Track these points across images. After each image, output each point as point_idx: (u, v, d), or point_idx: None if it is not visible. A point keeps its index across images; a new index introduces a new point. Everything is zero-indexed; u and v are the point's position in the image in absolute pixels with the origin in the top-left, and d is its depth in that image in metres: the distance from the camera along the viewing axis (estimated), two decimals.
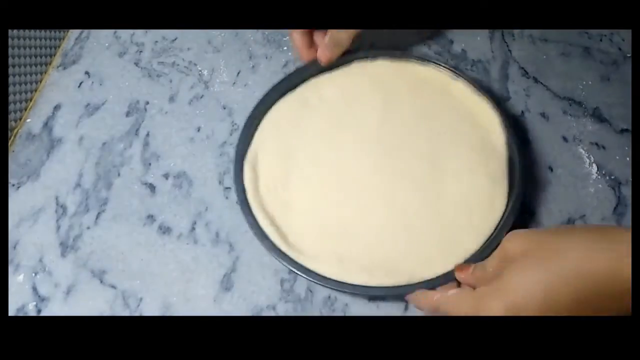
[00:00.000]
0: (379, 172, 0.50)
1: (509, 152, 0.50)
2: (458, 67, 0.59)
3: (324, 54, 0.54)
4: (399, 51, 0.56)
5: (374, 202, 0.48)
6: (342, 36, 0.53)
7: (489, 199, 0.48)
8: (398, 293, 0.44)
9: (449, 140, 0.51)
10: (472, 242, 0.45)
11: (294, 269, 0.45)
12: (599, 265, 0.34)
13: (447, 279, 0.44)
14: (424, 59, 0.55)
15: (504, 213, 0.47)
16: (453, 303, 0.40)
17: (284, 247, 0.46)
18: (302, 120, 0.53)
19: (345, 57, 0.56)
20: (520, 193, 0.47)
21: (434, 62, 0.54)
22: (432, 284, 0.44)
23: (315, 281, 0.45)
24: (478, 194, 0.48)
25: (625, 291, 0.33)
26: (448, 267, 0.44)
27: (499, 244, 0.40)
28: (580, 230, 0.38)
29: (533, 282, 0.36)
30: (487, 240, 0.45)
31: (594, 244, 0.35)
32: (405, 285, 0.44)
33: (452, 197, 0.48)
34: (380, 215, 0.48)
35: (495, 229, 0.46)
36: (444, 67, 0.54)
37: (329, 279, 0.45)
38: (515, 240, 0.38)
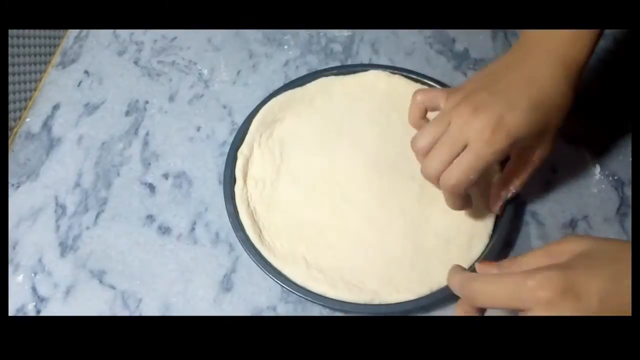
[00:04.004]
0: (367, 187, 0.49)
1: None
2: (460, 66, 0.59)
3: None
4: (418, 73, 0.55)
5: (355, 215, 0.48)
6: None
7: (470, 237, 0.47)
8: (356, 310, 0.44)
9: None
10: (443, 276, 0.42)
11: (259, 266, 0.45)
12: None
13: (408, 307, 0.44)
14: (444, 84, 0.54)
15: (482, 253, 0.46)
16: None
17: (257, 242, 0.46)
18: (303, 118, 0.53)
19: (364, 65, 0.56)
20: (502, 234, 0.47)
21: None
22: (391, 309, 0.43)
23: (279, 282, 0.45)
24: (460, 229, 0.47)
25: None
26: (411, 296, 0.44)
27: None
28: None
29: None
30: None
31: None
32: (363, 304, 0.44)
33: (434, 227, 0.47)
34: (358, 230, 0.48)
35: (468, 268, 0.44)
36: None
37: (292, 281, 0.45)
38: (574, 241, 0.35)
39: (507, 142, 0.40)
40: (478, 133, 0.40)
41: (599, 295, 0.31)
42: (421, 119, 0.47)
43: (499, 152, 0.40)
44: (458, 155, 0.41)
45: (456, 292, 0.38)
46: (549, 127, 0.42)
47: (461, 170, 0.41)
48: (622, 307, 0.31)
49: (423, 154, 0.43)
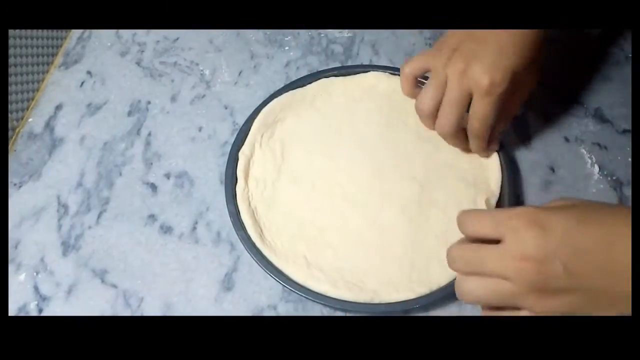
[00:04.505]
0: (367, 187, 0.50)
1: (501, 191, 0.49)
2: None
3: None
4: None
5: (355, 215, 0.48)
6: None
7: None
8: (356, 309, 0.44)
9: (444, 170, 0.50)
10: (442, 277, 0.45)
11: (260, 265, 0.45)
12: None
13: (408, 306, 0.44)
14: None
15: None
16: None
17: (258, 242, 0.46)
18: (304, 118, 0.54)
19: (364, 66, 0.56)
20: None
21: None
22: (391, 308, 0.44)
23: (280, 281, 0.45)
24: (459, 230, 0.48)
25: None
26: (411, 295, 0.44)
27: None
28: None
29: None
30: (456, 278, 0.45)
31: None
32: (363, 304, 0.44)
33: (434, 228, 0.48)
34: (359, 230, 0.48)
35: None
36: None
37: (293, 281, 0.45)
38: (563, 199, 0.37)
39: (507, 83, 0.43)
40: (477, 81, 0.43)
41: (563, 230, 0.33)
42: (415, 87, 0.49)
43: (503, 94, 0.43)
44: (466, 103, 0.44)
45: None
46: (535, 60, 0.45)
47: (479, 119, 0.45)
48: (584, 247, 0.33)
49: (429, 115, 0.47)
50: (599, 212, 0.35)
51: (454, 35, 0.46)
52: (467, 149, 0.50)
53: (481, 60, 0.43)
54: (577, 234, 0.33)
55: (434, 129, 0.48)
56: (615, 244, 0.33)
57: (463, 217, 0.38)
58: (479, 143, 0.48)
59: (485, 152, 0.50)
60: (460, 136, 0.48)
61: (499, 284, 0.34)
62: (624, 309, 0.33)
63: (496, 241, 0.35)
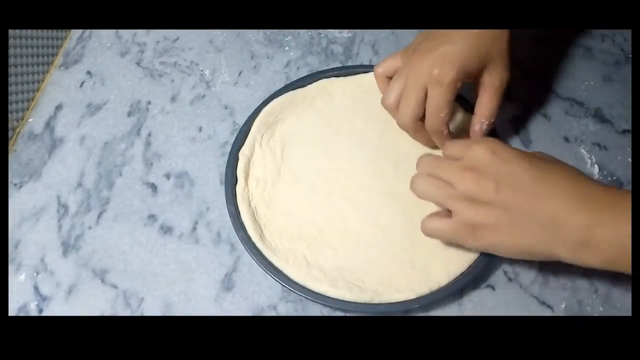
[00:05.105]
0: (367, 187, 0.50)
1: None
2: None
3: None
4: None
5: (355, 215, 0.48)
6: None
7: None
8: (356, 309, 0.44)
9: None
10: (443, 277, 0.45)
11: (261, 265, 0.45)
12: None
13: (408, 306, 0.44)
14: None
15: (479, 256, 0.46)
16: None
17: (258, 242, 0.46)
18: (304, 119, 0.54)
19: (364, 66, 0.57)
20: None
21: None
22: (391, 308, 0.44)
23: (280, 281, 0.45)
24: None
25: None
26: (411, 295, 0.44)
27: (467, 281, 0.45)
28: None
29: None
30: (456, 278, 0.45)
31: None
32: (363, 304, 0.44)
33: None
34: (359, 230, 0.48)
35: (467, 268, 0.45)
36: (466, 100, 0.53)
37: (293, 281, 0.45)
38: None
39: (455, 71, 0.45)
40: (428, 73, 0.46)
41: (510, 163, 0.40)
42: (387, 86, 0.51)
43: (452, 83, 0.45)
44: (423, 99, 0.47)
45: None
46: (492, 52, 0.47)
47: (431, 111, 0.47)
48: (519, 179, 0.40)
49: (394, 108, 0.49)
50: (543, 160, 0.42)
51: (418, 37, 0.50)
52: (428, 144, 0.51)
53: (434, 54, 0.46)
54: (516, 165, 0.40)
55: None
56: (543, 180, 0.40)
57: (445, 146, 0.45)
58: (437, 137, 0.49)
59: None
60: (421, 131, 0.49)
61: (443, 186, 0.42)
62: (534, 237, 0.40)
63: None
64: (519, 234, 0.40)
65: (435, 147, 0.51)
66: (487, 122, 0.49)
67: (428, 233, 0.44)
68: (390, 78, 0.51)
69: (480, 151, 0.41)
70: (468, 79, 0.47)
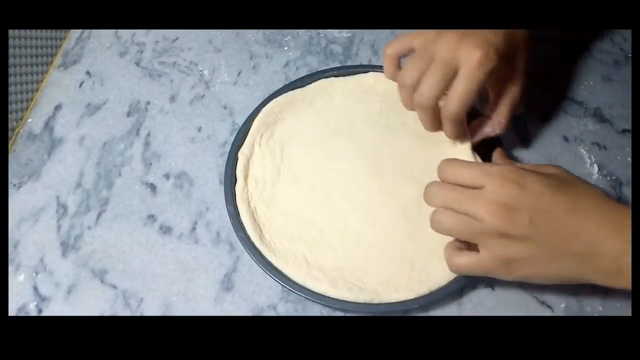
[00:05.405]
0: (367, 187, 0.50)
1: None
2: None
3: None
4: None
5: (355, 215, 0.48)
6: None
7: None
8: (355, 309, 0.44)
9: None
10: (442, 277, 0.45)
11: (260, 265, 0.45)
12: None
13: (408, 306, 0.44)
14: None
15: None
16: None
17: (257, 242, 0.46)
18: (303, 119, 0.54)
19: (364, 66, 0.56)
20: None
21: None
22: (391, 308, 0.44)
23: (279, 281, 0.45)
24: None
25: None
26: (411, 295, 0.44)
27: (466, 281, 0.44)
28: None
29: None
30: (455, 278, 0.45)
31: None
32: (363, 304, 0.44)
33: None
34: (358, 230, 0.48)
35: None
36: None
37: (292, 281, 0.45)
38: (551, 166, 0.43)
39: (498, 61, 0.43)
40: (469, 55, 0.43)
41: (537, 193, 0.38)
42: (398, 69, 0.48)
43: (489, 72, 0.43)
44: (451, 80, 0.44)
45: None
46: (518, 53, 0.47)
47: (460, 94, 0.44)
48: (550, 209, 0.38)
49: (411, 86, 0.45)
50: (569, 186, 0.40)
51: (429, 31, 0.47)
52: (433, 129, 0.48)
53: (475, 38, 0.43)
54: (547, 198, 0.38)
55: (409, 105, 0.47)
56: (575, 211, 0.38)
57: (446, 164, 0.42)
58: (454, 127, 0.46)
59: (460, 139, 0.48)
60: (435, 113, 0.47)
61: (469, 221, 0.39)
62: (569, 267, 0.39)
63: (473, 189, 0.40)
64: (554, 265, 0.39)
65: (433, 130, 0.49)
66: (499, 130, 0.49)
67: (457, 269, 0.42)
68: (399, 64, 0.49)
69: (505, 185, 0.38)
70: (492, 76, 0.45)
